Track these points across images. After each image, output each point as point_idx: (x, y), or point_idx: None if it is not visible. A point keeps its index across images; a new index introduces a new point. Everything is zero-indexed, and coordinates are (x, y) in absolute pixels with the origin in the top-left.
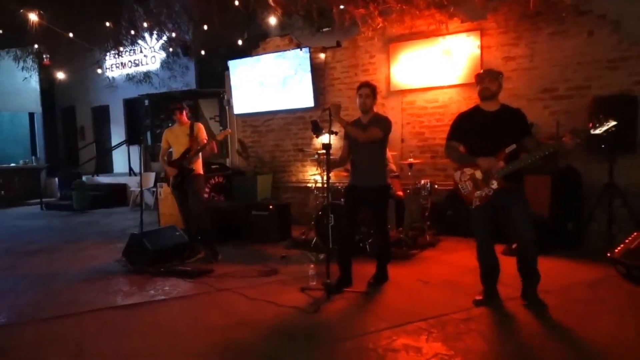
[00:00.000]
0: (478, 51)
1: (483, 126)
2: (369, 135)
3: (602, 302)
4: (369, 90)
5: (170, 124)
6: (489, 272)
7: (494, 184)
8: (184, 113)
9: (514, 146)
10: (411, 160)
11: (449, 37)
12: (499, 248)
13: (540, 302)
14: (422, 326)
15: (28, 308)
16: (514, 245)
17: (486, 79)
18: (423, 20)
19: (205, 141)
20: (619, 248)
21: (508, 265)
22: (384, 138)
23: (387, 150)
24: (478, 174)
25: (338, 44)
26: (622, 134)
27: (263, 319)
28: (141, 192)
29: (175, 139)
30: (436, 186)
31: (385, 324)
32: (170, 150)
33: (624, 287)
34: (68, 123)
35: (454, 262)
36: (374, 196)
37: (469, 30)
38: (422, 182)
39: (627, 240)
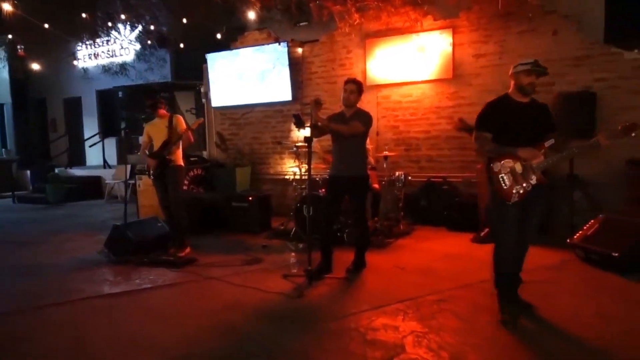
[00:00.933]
0: (450, 48)
1: (519, 117)
2: (351, 130)
3: (563, 283)
4: (354, 87)
5: (145, 118)
6: (512, 279)
7: (533, 179)
8: (162, 106)
9: (552, 140)
10: (386, 152)
11: (422, 34)
12: (468, 236)
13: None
14: (399, 307)
15: (22, 297)
16: (482, 233)
17: (534, 73)
18: (398, 17)
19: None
20: (578, 234)
21: (477, 250)
22: (365, 132)
23: (369, 143)
24: (518, 167)
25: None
26: (583, 129)
27: (249, 303)
28: (125, 184)
29: (156, 132)
30: (410, 178)
31: (365, 306)
32: (152, 143)
33: (582, 270)
34: (40, 115)
35: (427, 249)
36: (355, 186)
37: (442, 27)
38: (397, 173)
39: (585, 227)
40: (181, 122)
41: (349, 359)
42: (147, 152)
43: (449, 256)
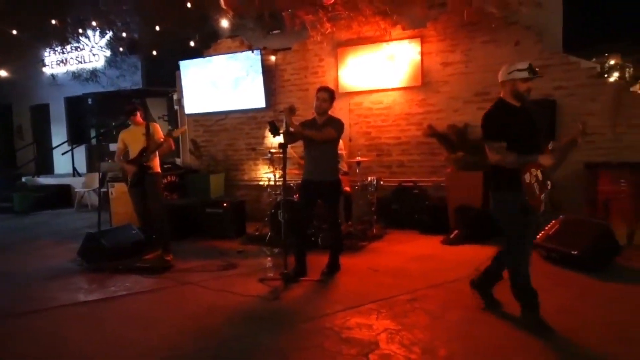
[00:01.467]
0: (419, 57)
1: (524, 122)
2: (324, 136)
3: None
4: (326, 95)
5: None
6: (532, 289)
7: (549, 184)
8: (138, 114)
9: (552, 143)
10: (359, 158)
11: (392, 43)
12: (438, 238)
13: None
14: (373, 307)
15: None
16: (452, 236)
17: (531, 80)
18: (369, 27)
19: (162, 140)
20: (540, 234)
21: (447, 252)
22: (337, 138)
23: (343, 149)
24: (540, 175)
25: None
26: (545, 134)
27: (228, 307)
28: (99, 192)
29: (132, 139)
30: (382, 182)
31: (340, 307)
32: (127, 151)
33: (544, 268)
34: (4, 122)
35: (399, 252)
36: (328, 190)
37: (410, 37)
38: (369, 178)
39: (547, 228)
40: (158, 130)
41: (325, 356)
42: (121, 158)
43: (420, 258)
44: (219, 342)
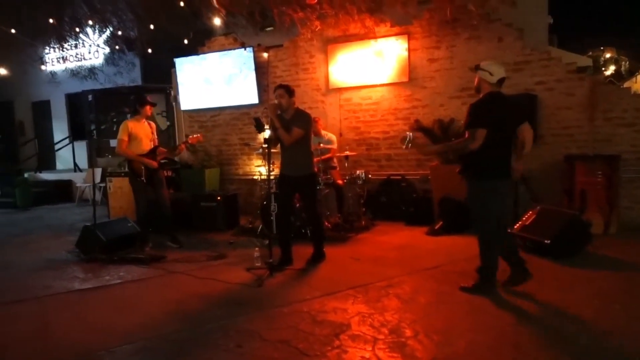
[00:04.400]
0: (406, 53)
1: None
2: (293, 138)
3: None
4: (282, 91)
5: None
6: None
7: None
8: (149, 105)
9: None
10: (347, 152)
11: (380, 40)
12: (424, 229)
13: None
14: (350, 293)
15: None
16: (436, 226)
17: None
18: (356, 25)
19: (182, 148)
20: (517, 224)
21: (429, 242)
22: (306, 134)
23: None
24: None
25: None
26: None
27: (212, 293)
28: (93, 186)
29: (143, 132)
30: (370, 176)
31: (319, 293)
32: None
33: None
34: (6, 118)
35: (383, 242)
36: (303, 184)
37: (397, 34)
38: (358, 172)
39: (524, 218)
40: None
41: (298, 336)
42: (132, 150)
43: (402, 247)
44: (198, 323)
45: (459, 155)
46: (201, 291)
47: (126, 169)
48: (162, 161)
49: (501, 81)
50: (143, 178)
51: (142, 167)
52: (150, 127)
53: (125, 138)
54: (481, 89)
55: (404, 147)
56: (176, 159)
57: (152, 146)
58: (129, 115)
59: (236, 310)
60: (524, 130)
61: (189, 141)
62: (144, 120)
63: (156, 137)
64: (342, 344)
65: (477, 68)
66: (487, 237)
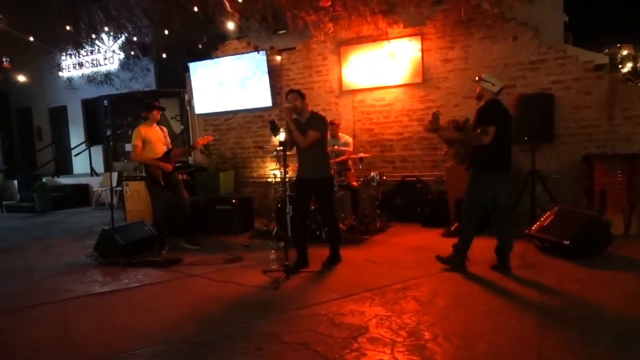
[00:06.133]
0: (419, 54)
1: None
2: (310, 141)
3: (519, 269)
4: (295, 94)
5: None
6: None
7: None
8: (158, 110)
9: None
10: (362, 154)
11: (393, 41)
12: (439, 231)
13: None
14: (367, 295)
15: (11, 298)
16: (452, 228)
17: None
18: (369, 26)
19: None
20: (535, 225)
21: (445, 243)
22: (322, 137)
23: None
24: None
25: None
26: (543, 127)
27: (230, 296)
28: (111, 190)
29: (155, 137)
30: (385, 177)
31: (336, 295)
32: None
33: (537, 258)
34: (24, 124)
35: (399, 244)
36: (319, 187)
37: (411, 35)
38: (372, 174)
39: (542, 219)
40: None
41: (317, 339)
42: (147, 155)
43: (417, 249)
44: (217, 325)
45: (470, 152)
46: (219, 294)
47: (143, 173)
48: (177, 164)
49: (500, 90)
50: (161, 181)
51: (159, 172)
52: (162, 132)
53: (139, 143)
54: (483, 97)
55: (431, 127)
56: (190, 161)
57: (166, 149)
58: (142, 121)
59: (254, 313)
60: None
61: (201, 142)
62: (155, 125)
63: (169, 140)
64: (360, 346)
65: (480, 79)
66: (469, 223)
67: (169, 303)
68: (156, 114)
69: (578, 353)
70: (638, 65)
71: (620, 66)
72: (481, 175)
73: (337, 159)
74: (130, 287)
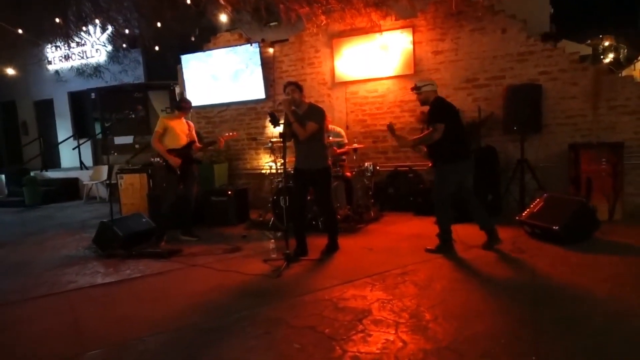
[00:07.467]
0: (411, 46)
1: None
2: (308, 132)
3: (511, 254)
4: (293, 86)
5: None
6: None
7: None
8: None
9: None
10: (355, 145)
11: (385, 34)
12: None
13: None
14: (367, 281)
15: (13, 290)
16: None
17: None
18: (362, 19)
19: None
20: (525, 212)
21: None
22: (320, 128)
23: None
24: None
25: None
26: (531, 117)
27: (233, 284)
28: (109, 183)
29: (179, 128)
30: (378, 168)
31: (337, 281)
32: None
33: (528, 243)
34: (9, 118)
35: (393, 232)
36: (317, 177)
37: (402, 27)
38: (366, 164)
39: (531, 206)
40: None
41: (323, 321)
42: (163, 144)
43: (412, 237)
44: (222, 313)
45: (428, 149)
46: (222, 282)
47: (161, 161)
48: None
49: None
50: (177, 170)
51: (178, 160)
52: (188, 125)
53: (160, 130)
54: (429, 99)
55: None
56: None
57: (188, 141)
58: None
59: (259, 300)
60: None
61: (225, 137)
62: (182, 118)
63: (194, 134)
64: (365, 328)
65: (419, 88)
66: (442, 212)
67: (174, 292)
68: (187, 111)
69: (572, 330)
70: (620, 55)
71: (602, 57)
72: (444, 165)
73: (340, 150)
74: (133, 277)
